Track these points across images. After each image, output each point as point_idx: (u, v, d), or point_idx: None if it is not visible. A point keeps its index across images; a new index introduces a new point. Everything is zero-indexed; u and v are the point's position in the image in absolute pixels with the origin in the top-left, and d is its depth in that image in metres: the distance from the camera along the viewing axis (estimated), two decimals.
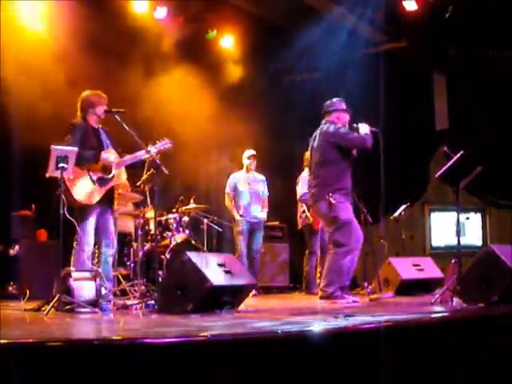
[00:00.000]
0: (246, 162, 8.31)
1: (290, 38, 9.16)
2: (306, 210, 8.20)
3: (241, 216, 8.15)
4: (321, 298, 6.11)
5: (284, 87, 10.49)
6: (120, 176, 5.84)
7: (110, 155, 5.74)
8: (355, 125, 6.36)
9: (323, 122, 6.46)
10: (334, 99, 6.52)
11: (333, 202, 6.07)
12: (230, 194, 8.29)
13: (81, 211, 5.56)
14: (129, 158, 5.83)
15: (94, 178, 5.64)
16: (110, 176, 5.71)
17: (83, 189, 5.55)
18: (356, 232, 6.14)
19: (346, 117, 6.47)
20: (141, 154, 5.79)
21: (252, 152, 8.29)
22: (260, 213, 8.29)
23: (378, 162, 6.25)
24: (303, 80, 10.67)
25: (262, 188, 8.39)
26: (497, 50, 10.28)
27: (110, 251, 5.84)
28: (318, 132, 6.42)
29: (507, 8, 8.53)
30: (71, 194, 5.44)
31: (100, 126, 5.90)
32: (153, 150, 5.77)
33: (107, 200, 5.79)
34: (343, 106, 6.49)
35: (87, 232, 5.60)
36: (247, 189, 8.25)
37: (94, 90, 5.90)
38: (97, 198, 5.64)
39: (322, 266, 7.59)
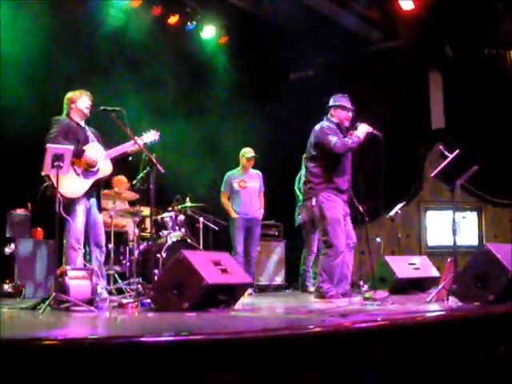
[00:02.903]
0: (243, 160, 8.28)
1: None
2: None
3: (237, 214, 8.14)
4: (315, 297, 6.15)
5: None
6: (107, 169, 5.81)
7: (92, 152, 5.69)
8: (357, 124, 6.30)
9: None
10: (338, 95, 6.44)
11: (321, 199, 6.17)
12: (226, 192, 8.28)
13: (68, 205, 5.50)
14: (115, 150, 5.81)
15: (79, 170, 5.62)
16: (95, 169, 5.70)
17: (67, 181, 5.43)
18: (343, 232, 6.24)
19: (342, 113, 6.38)
20: (128, 145, 5.79)
21: (253, 154, 8.26)
22: (257, 211, 8.28)
23: (375, 161, 6.22)
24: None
25: (259, 184, 8.36)
26: (493, 48, 10.29)
27: (99, 248, 5.81)
28: None
29: (503, 6, 8.55)
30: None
31: (85, 124, 5.87)
32: (139, 141, 5.78)
33: (94, 194, 5.77)
34: (342, 101, 6.40)
35: (77, 226, 5.55)
36: (244, 187, 8.23)
37: None
38: (82, 190, 5.60)
39: (316, 264, 7.60)
